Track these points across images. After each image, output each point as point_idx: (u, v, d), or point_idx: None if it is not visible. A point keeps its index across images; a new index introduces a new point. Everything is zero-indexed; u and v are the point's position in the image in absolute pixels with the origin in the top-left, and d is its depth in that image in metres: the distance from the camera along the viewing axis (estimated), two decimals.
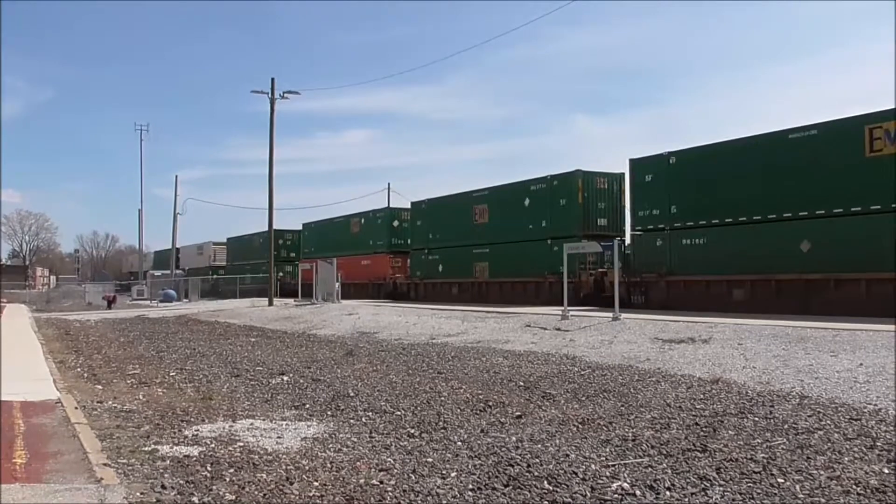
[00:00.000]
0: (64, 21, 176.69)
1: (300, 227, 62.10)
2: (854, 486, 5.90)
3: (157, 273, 76.46)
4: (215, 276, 68.99)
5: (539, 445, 7.50)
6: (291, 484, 6.25)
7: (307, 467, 6.80)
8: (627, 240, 28.59)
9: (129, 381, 13.04)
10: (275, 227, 46.39)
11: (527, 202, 33.39)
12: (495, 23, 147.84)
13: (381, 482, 6.27)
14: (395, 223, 46.54)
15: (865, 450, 6.99)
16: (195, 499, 5.88)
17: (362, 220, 50.27)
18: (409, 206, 45.57)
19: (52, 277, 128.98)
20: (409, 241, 43.87)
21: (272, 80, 42.27)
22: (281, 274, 54.79)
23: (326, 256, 45.40)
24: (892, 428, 7.87)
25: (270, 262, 44.31)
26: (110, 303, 51.00)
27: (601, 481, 6.18)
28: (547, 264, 30.59)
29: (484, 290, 35.04)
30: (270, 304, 39.56)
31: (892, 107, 19.83)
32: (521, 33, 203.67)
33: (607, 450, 7.27)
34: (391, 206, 47.61)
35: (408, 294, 41.48)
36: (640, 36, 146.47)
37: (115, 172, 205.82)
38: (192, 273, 74.35)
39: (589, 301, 27.11)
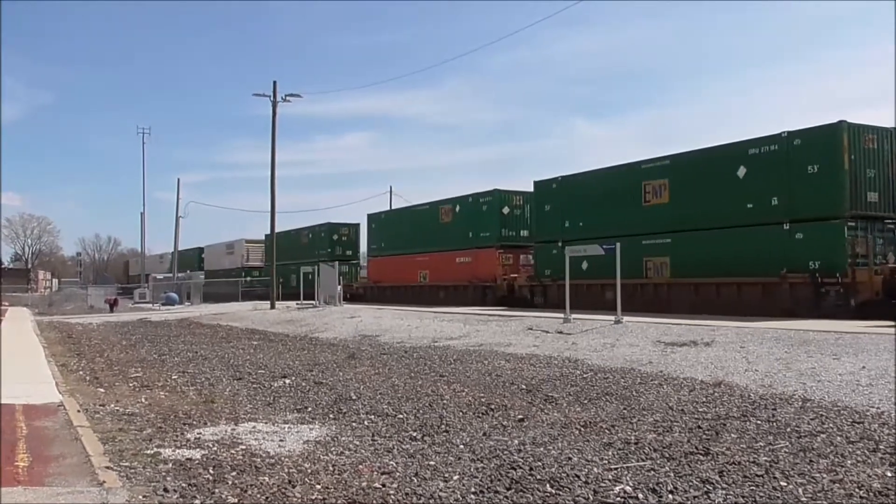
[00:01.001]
0: (64, 24, 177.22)
1: (358, 220, 56.42)
2: (857, 490, 5.89)
3: (160, 276, 76.43)
4: (250, 279, 62.08)
5: (541, 448, 7.50)
6: (294, 487, 6.24)
7: (309, 470, 6.79)
8: None
9: (131, 385, 13.05)
10: (299, 225, 47.64)
11: (741, 172, 24.16)
12: (493, 26, 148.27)
13: (384, 485, 6.27)
14: (505, 209, 36.84)
15: (868, 453, 6.98)
16: (197, 502, 5.88)
17: (457, 207, 39.79)
18: (507, 189, 37.51)
19: (55, 281, 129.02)
20: (524, 232, 36.12)
21: (274, 83, 42.30)
22: None
23: (403, 253, 42.93)
24: (894, 431, 7.86)
25: (273, 263, 44.25)
26: (112, 306, 51.15)
27: (604, 484, 6.17)
28: (782, 258, 22.47)
29: (664, 294, 26.52)
30: (272, 307, 39.55)
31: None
32: (520, 37, 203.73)
33: (610, 453, 7.27)
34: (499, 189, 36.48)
35: (530, 299, 32.50)
36: (638, 39, 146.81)
37: (117, 176, 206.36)
38: (221, 275, 67.15)
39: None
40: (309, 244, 55.99)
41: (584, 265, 27.83)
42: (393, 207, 49.88)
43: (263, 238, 62.22)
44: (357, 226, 54.48)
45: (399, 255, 44.47)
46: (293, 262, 53.09)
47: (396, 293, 42.78)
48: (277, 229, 46.23)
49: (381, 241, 47.66)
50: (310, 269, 46.30)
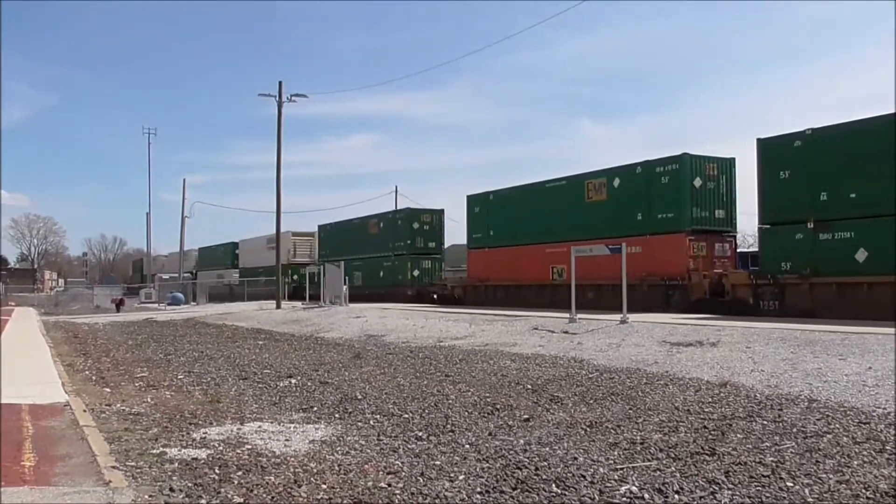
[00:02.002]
0: (69, 26, 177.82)
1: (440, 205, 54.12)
2: (863, 490, 5.87)
3: (166, 276, 76.53)
4: (297, 276, 54.43)
5: (547, 448, 7.49)
6: (299, 486, 6.25)
7: (315, 470, 6.80)
8: None
9: (137, 384, 13.07)
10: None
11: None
12: (498, 27, 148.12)
13: (390, 485, 6.27)
14: (697, 181, 27.14)
15: (875, 453, 6.96)
16: (203, 501, 5.88)
17: (615, 181, 29.74)
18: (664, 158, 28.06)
19: (61, 280, 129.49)
20: (719, 213, 27.48)
21: (279, 83, 42.32)
22: (416, 272, 43.54)
23: (526, 243, 33.06)
24: None
25: (277, 262, 44.31)
26: (118, 306, 51.26)
27: (609, 484, 6.17)
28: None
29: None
30: (278, 306, 39.61)
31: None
32: (524, 38, 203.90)
33: (615, 453, 7.26)
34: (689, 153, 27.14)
35: (754, 304, 23.27)
36: (643, 40, 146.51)
37: (123, 176, 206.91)
38: (261, 273, 58.90)
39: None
40: (380, 235, 46.73)
41: (861, 254, 20.47)
42: (507, 187, 35.88)
43: (316, 229, 56.42)
44: (441, 212, 45.46)
45: (519, 247, 33.84)
46: (356, 256, 47.45)
47: (514, 295, 33.26)
48: (326, 220, 49.74)
49: (490, 229, 36.38)
50: (315, 269, 47.16)
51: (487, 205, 36.85)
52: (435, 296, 39.18)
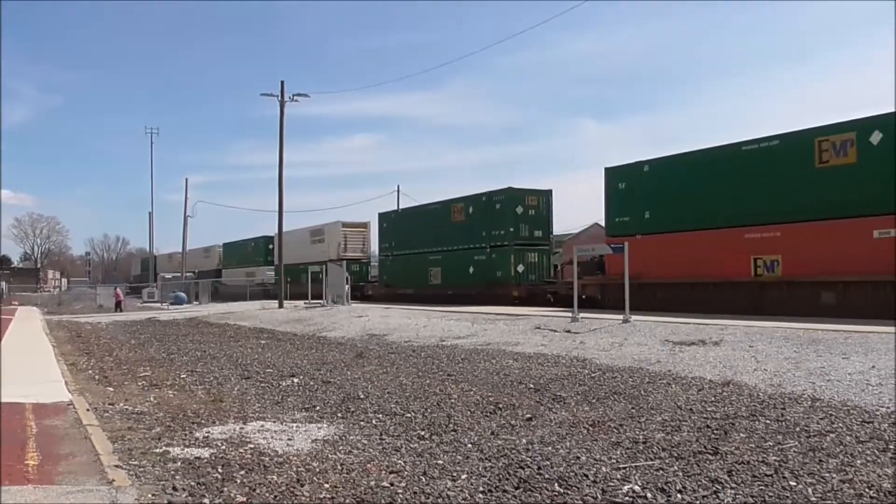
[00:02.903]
0: (72, 27, 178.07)
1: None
2: (867, 490, 5.87)
3: (168, 276, 76.58)
4: (358, 271, 48.21)
5: (549, 448, 7.49)
6: (302, 486, 6.25)
7: (318, 469, 6.80)
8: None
9: (140, 384, 13.09)
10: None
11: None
12: (499, 27, 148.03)
13: (392, 484, 6.28)
14: None
15: (878, 452, 6.95)
16: (206, 500, 5.89)
17: (858, 140, 20.45)
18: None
19: (64, 280, 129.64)
20: None
21: (282, 82, 42.29)
22: (521, 267, 34.76)
23: (705, 226, 24.41)
24: None
25: (280, 261, 44.31)
26: (118, 304, 50.50)
27: (612, 484, 6.17)
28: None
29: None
30: (280, 306, 39.61)
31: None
32: (526, 38, 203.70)
33: (618, 452, 7.26)
34: None
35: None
36: (645, 40, 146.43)
37: (125, 176, 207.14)
38: (303, 271, 50.65)
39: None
40: (469, 222, 37.39)
41: None
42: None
43: (377, 218, 47.26)
44: (549, 193, 36.21)
45: (694, 232, 24.92)
46: (433, 249, 39.48)
47: (684, 295, 24.81)
48: (388, 208, 46.15)
49: (645, 210, 27.47)
50: (318, 268, 45.18)
51: (640, 178, 27.81)
52: (551, 297, 32.04)
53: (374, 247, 50.67)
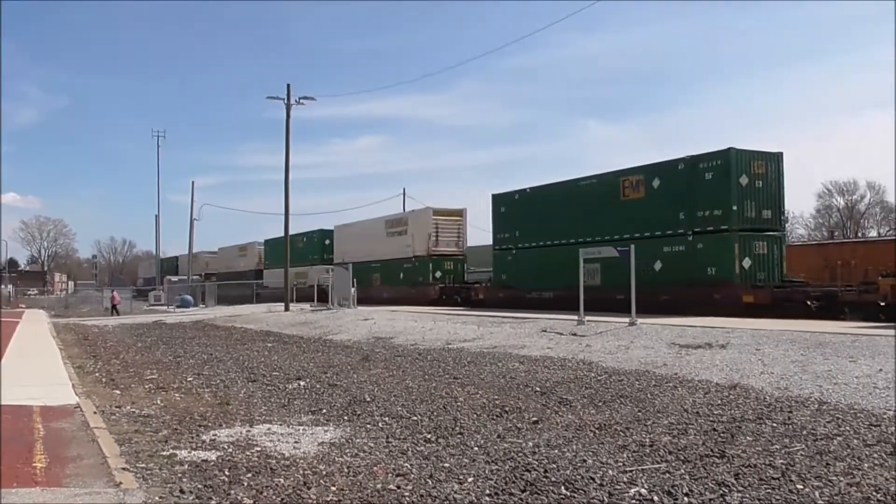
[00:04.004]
0: (78, 29, 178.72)
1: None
2: (874, 493, 5.85)
3: (174, 279, 76.70)
4: (440, 273, 40.84)
5: (556, 451, 7.49)
6: (309, 489, 6.26)
7: (324, 472, 6.81)
8: None
9: (146, 386, 13.11)
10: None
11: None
12: (505, 29, 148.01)
13: (399, 487, 6.28)
14: None
15: (885, 456, 6.94)
16: (213, 503, 5.91)
17: None
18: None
19: (71, 283, 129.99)
20: None
21: (288, 85, 42.28)
22: (748, 262, 25.05)
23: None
24: None
25: (286, 261, 44.27)
26: (114, 307, 48.60)
27: (619, 487, 6.16)
28: None
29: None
30: (287, 309, 39.65)
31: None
32: (531, 39, 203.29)
33: (624, 455, 7.25)
34: None
35: None
36: (650, 41, 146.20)
37: (132, 179, 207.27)
38: (376, 271, 45.92)
39: None
40: (653, 199, 27.61)
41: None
42: None
43: (490, 200, 36.50)
44: (779, 156, 25.99)
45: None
46: (586, 239, 29.05)
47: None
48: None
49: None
50: (324, 273, 42.71)
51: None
52: (813, 304, 23.12)
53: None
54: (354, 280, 38.15)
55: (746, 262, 24.98)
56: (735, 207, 24.87)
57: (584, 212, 30.48)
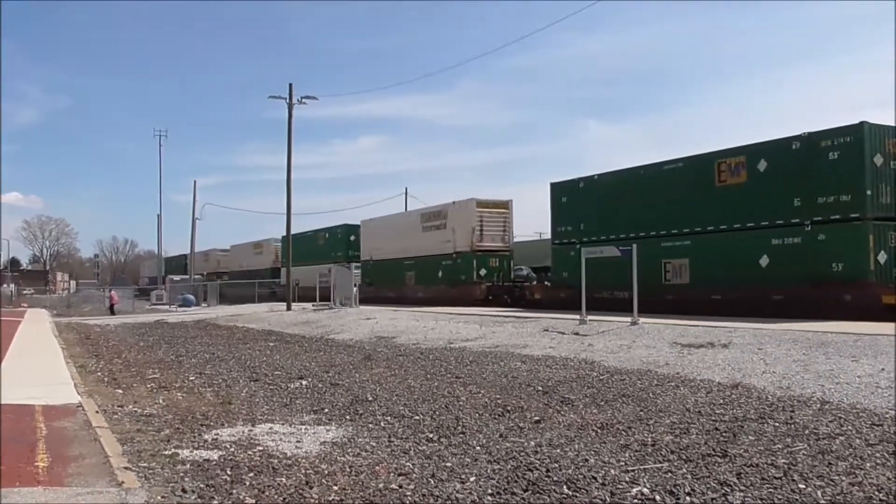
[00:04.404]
0: (79, 29, 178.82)
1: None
2: (876, 493, 5.85)
3: (176, 278, 76.73)
4: (484, 270, 37.18)
5: (558, 450, 7.49)
6: (311, 488, 6.26)
7: (326, 471, 6.81)
8: None
9: (148, 386, 13.12)
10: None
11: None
12: (505, 29, 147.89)
13: (401, 486, 6.28)
14: None
15: (888, 455, 6.93)
16: (215, 502, 5.91)
17: None
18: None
19: (73, 282, 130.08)
20: None
21: (290, 85, 42.34)
22: (883, 256, 21.23)
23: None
24: None
25: (288, 260, 44.32)
26: (112, 307, 48.13)
27: (621, 486, 6.16)
28: None
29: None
30: (289, 308, 39.66)
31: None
32: (532, 39, 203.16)
33: (626, 455, 7.25)
34: None
35: None
36: (650, 41, 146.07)
37: (134, 178, 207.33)
38: (418, 267, 41.63)
39: None
40: (759, 184, 23.69)
41: None
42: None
43: (549, 190, 32.16)
44: None
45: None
46: (686, 231, 25.74)
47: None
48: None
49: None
50: (325, 272, 41.33)
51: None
52: None
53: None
54: (357, 279, 37.52)
55: (882, 257, 21.27)
56: (869, 192, 20.96)
57: (667, 200, 26.32)
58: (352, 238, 50.98)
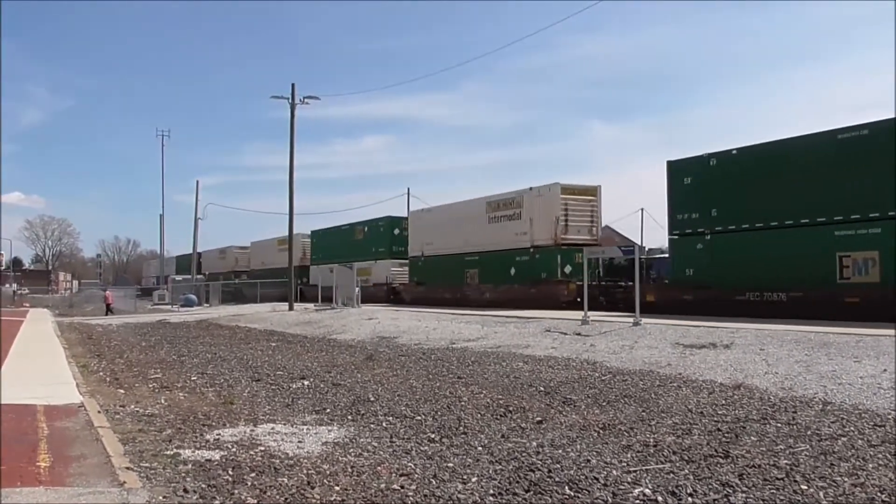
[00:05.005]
0: (82, 29, 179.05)
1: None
2: (879, 494, 5.84)
3: (179, 278, 76.67)
4: (569, 266, 31.14)
5: (560, 451, 7.48)
6: (313, 488, 6.26)
7: (328, 472, 6.81)
8: None
9: (150, 386, 13.13)
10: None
11: None
12: (510, 30, 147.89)
13: (402, 487, 6.28)
14: None
15: (890, 456, 6.91)
16: (217, 502, 5.91)
17: None
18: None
19: (75, 282, 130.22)
20: None
21: (292, 85, 42.39)
22: None
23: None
24: None
25: (290, 261, 44.36)
26: (108, 307, 47.40)
27: (623, 487, 6.15)
28: None
29: None
30: (291, 308, 39.66)
31: None
32: (536, 40, 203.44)
33: (629, 455, 7.24)
34: None
35: None
36: (654, 43, 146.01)
37: (136, 178, 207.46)
38: (482, 263, 35.99)
39: None
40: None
41: None
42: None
43: (665, 168, 26.56)
44: None
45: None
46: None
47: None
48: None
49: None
50: (333, 268, 39.79)
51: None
52: None
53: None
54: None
55: None
56: None
57: (841, 177, 20.87)
58: (395, 232, 46.12)
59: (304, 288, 50.70)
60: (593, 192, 33.17)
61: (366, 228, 49.62)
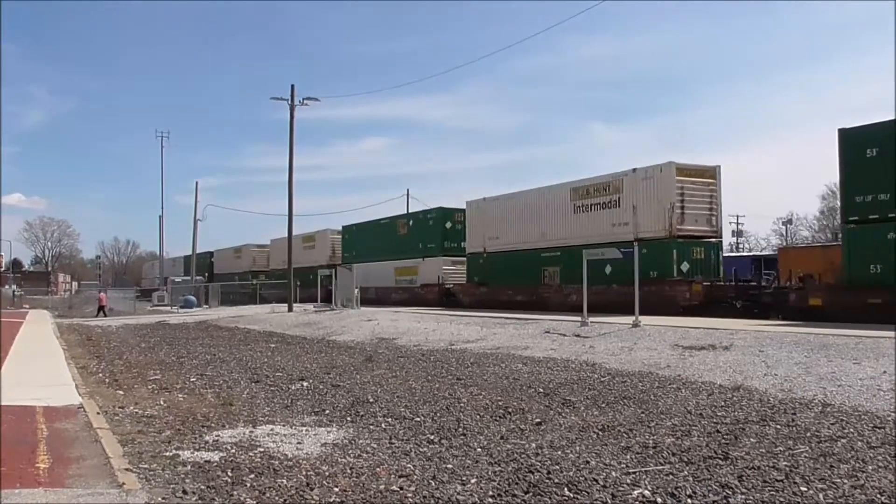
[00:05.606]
0: (83, 30, 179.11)
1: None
2: (878, 495, 5.84)
3: (178, 279, 76.60)
4: (702, 260, 26.38)
5: (559, 452, 7.48)
6: (312, 490, 6.26)
7: (327, 473, 6.81)
8: None
9: (150, 387, 13.12)
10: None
11: None
12: (511, 31, 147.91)
13: (402, 488, 6.28)
14: None
15: (890, 458, 6.91)
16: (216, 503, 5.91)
17: None
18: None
19: (74, 283, 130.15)
20: None
21: (292, 86, 42.36)
22: None
23: None
24: None
25: (289, 261, 44.29)
26: (101, 308, 46.30)
27: (622, 488, 6.15)
28: None
29: None
30: (290, 309, 39.64)
31: None
32: (537, 42, 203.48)
33: (628, 457, 7.24)
34: None
35: None
36: (656, 44, 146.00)
37: (136, 180, 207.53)
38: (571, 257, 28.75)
39: None
40: None
41: None
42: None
43: (837, 137, 20.73)
44: None
45: None
46: None
47: None
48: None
49: None
50: (327, 271, 39.31)
51: None
52: None
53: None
54: (361, 281, 35.11)
55: None
56: None
57: None
58: (448, 225, 40.50)
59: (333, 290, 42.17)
60: (712, 173, 27.86)
61: (410, 222, 44.57)
